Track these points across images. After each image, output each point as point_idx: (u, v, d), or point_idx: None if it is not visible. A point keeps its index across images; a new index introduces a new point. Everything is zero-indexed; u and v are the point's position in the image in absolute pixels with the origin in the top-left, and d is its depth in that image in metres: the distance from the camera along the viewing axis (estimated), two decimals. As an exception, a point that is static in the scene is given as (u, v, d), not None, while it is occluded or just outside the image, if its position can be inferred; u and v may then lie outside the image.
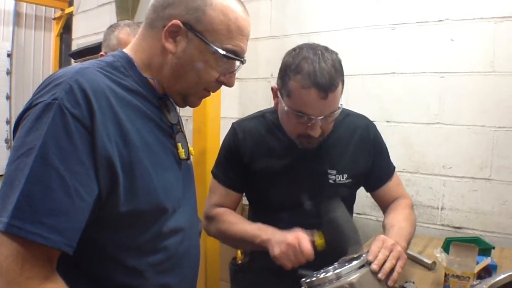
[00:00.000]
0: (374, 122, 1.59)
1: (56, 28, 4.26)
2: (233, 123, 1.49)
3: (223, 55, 0.88)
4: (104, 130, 0.77)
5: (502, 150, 1.78)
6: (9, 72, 4.03)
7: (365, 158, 1.44)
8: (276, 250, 1.17)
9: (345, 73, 2.07)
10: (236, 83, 2.69)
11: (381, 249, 1.04)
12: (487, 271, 1.27)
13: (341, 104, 1.28)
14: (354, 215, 1.64)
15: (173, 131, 0.97)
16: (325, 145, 1.37)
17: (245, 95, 2.54)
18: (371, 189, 1.51)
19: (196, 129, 2.26)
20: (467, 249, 1.25)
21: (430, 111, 1.92)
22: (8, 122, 4.26)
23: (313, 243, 1.17)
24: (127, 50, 0.94)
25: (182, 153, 0.97)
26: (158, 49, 0.89)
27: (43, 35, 4.29)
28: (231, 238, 1.38)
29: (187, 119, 2.67)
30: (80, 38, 3.74)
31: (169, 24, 0.85)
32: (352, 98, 2.10)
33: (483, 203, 1.83)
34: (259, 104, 2.47)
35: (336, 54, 1.28)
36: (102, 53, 1.72)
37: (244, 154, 1.40)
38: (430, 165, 1.94)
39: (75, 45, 3.76)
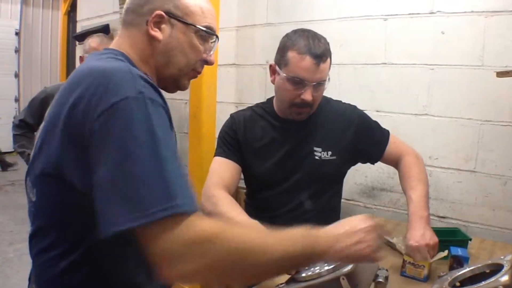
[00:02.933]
0: (365, 111, 1.67)
1: (63, 7, 4.30)
2: (231, 114, 1.65)
3: (205, 31, 0.98)
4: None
5: (487, 143, 1.80)
6: (17, 50, 4.11)
7: (349, 136, 1.57)
8: None
9: (337, 62, 2.13)
10: (233, 69, 2.74)
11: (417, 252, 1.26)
12: (459, 263, 1.29)
13: (328, 78, 1.46)
14: (342, 200, 1.73)
15: None
16: (311, 125, 1.55)
17: (242, 81, 2.58)
18: (376, 159, 1.65)
19: (192, 114, 2.31)
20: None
21: (419, 102, 1.95)
22: (16, 99, 4.37)
23: None
24: (114, 48, 0.97)
25: None
26: (145, 42, 0.96)
27: (50, 13, 4.34)
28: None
29: (186, 102, 2.72)
30: (84, 21, 3.77)
31: (153, 15, 0.93)
32: (343, 87, 2.13)
33: (467, 194, 1.87)
34: (255, 89, 2.51)
35: (325, 38, 1.46)
36: (80, 55, 2.21)
37: (239, 132, 1.57)
38: (417, 155, 1.97)
39: (80, 27, 3.80)
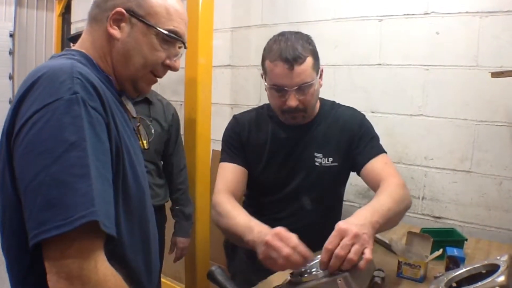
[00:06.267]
0: (361, 112, 1.62)
1: (58, 8, 4.28)
2: (234, 115, 1.64)
3: (166, 34, 0.93)
4: (111, 121, 0.81)
5: (482, 143, 1.81)
6: (11, 52, 4.07)
7: (349, 144, 1.52)
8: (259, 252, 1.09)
9: (332, 62, 2.13)
10: (228, 70, 2.72)
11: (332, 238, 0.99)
12: (455, 263, 1.29)
13: (318, 78, 1.42)
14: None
15: (134, 123, 1.02)
16: (313, 131, 1.53)
17: (237, 82, 2.58)
18: (358, 168, 1.49)
19: (187, 116, 2.30)
20: (421, 239, 1.31)
21: (414, 103, 1.95)
22: (11, 101, 4.33)
23: None
24: (78, 48, 0.95)
25: (144, 143, 1.06)
26: (104, 39, 0.92)
27: (45, 15, 4.31)
28: (229, 233, 1.33)
29: (181, 104, 2.71)
30: (79, 22, 3.77)
31: (113, 12, 0.90)
32: (338, 88, 2.13)
33: (462, 194, 1.87)
34: (250, 91, 2.51)
35: (307, 36, 1.42)
36: None
37: (243, 135, 1.55)
38: (412, 156, 1.98)
39: (74, 29, 3.79)
